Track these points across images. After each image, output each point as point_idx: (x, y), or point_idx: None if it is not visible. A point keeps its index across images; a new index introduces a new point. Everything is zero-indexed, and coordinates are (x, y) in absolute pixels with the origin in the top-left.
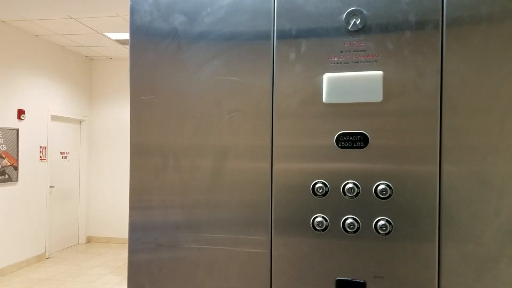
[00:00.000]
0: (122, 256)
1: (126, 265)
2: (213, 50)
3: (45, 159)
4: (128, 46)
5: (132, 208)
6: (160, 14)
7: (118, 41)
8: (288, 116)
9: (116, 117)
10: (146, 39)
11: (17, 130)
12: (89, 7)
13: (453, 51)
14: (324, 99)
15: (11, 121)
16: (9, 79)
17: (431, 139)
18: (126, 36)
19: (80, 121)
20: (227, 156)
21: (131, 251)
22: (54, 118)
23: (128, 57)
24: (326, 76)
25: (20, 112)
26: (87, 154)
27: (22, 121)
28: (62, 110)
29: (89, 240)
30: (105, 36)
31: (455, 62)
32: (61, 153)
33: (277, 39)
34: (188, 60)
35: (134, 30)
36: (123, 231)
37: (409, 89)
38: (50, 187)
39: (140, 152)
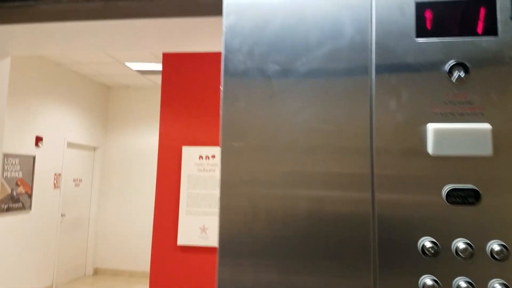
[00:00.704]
0: None
1: None
2: (307, 98)
3: (58, 187)
4: (148, 76)
5: (221, 264)
6: (254, 64)
7: (139, 71)
8: (390, 168)
9: (130, 146)
10: (239, 87)
11: (34, 157)
12: (127, 47)
13: None
14: (430, 151)
15: (29, 148)
16: (29, 106)
17: None
18: (146, 66)
19: (94, 148)
20: (322, 209)
21: None
22: (69, 145)
23: (145, 86)
24: (432, 127)
25: (38, 139)
26: (99, 181)
27: (39, 148)
28: (78, 137)
29: (96, 272)
30: (126, 66)
31: None
32: (74, 180)
33: (376, 87)
34: (281, 108)
35: (227, 78)
36: (131, 263)
37: None
38: (61, 215)
39: (229, 196)
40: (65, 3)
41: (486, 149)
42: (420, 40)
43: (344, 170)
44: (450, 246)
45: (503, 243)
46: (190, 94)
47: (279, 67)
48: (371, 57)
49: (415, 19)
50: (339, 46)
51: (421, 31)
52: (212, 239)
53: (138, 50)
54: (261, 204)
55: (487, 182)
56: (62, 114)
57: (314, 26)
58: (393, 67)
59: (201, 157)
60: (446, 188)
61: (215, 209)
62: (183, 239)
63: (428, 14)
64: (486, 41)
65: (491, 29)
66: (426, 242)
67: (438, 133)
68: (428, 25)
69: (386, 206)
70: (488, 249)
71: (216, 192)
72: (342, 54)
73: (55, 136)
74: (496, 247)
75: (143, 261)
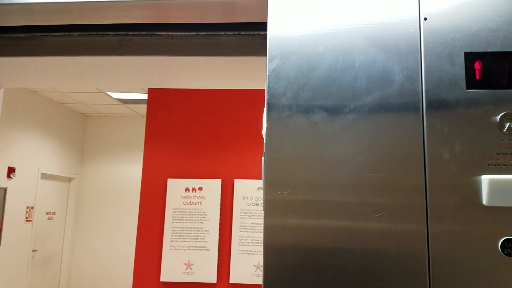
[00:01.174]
0: None
1: None
2: (357, 146)
3: (30, 220)
4: (129, 106)
5: None
6: (299, 109)
7: (120, 100)
8: (445, 219)
9: (108, 177)
10: (283, 132)
11: (5, 189)
12: (118, 84)
13: None
14: (485, 202)
15: (0, 180)
16: (1, 135)
17: None
18: (127, 95)
19: (69, 179)
20: (376, 262)
21: None
22: (43, 176)
23: (124, 115)
24: (487, 178)
25: (10, 170)
26: (74, 214)
27: (11, 179)
28: (53, 167)
29: None
30: (107, 95)
31: None
32: (47, 213)
33: (427, 137)
34: (328, 155)
35: (272, 124)
36: None
37: None
38: (33, 251)
39: (275, 250)
40: (75, 37)
41: None
42: (471, 90)
43: (398, 221)
44: None
45: None
46: (176, 127)
47: (326, 113)
48: (422, 106)
49: (464, 69)
50: (388, 94)
51: (471, 81)
52: (198, 275)
53: (130, 85)
54: (310, 259)
55: None
56: (37, 143)
57: (362, 73)
58: (445, 117)
59: (187, 189)
60: (502, 239)
61: (201, 244)
62: (166, 275)
63: (477, 65)
64: None
65: None
66: None
67: (493, 184)
68: (478, 76)
69: (440, 261)
70: None
71: (203, 225)
72: (392, 101)
73: (29, 166)
74: None
75: None
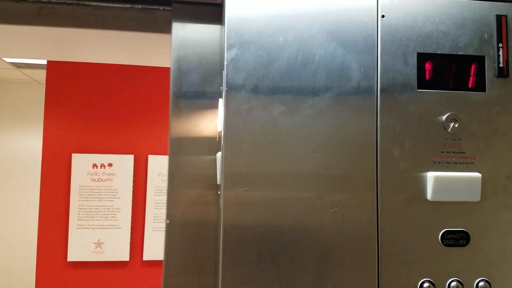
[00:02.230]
0: None
1: None
2: (315, 142)
3: None
4: (24, 70)
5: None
6: (259, 103)
7: (13, 64)
8: (393, 213)
9: (13, 149)
10: (242, 128)
11: None
12: (20, 53)
13: None
14: (429, 197)
15: None
16: None
17: None
18: (21, 60)
19: None
20: (329, 255)
21: None
22: None
23: (24, 82)
24: (432, 175)
25: None
26: None
27: None
28: None
29: None
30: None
31: None
32: None
33: (380, 135)
34: (287, 151)
35: (230, 117)
36: (8, 281)
37: (500, 190)
38: None
39: (233, 245)
40: None
41: (475, 196)
42: (421, 90)
43: (351, 216)
44: (445, 285)
45: (488, 280)
46: (81, 100)
47: (285, 108)
48: (376, 104)
49: (416, 69)
50: (346, 91)
51: (422, 81)
52: (109, 254)
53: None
54: (266, 250)
55: (476, 225)
56: None
57: (321, 68)
58: (397, 116)
59: (95, 165)
60: (442, 231)
61: (112, 222)
62: (74, 255)
63: (428, 66)
64: (476, 95)
65: (480, 85)
66: (425, 283)
67: (437, 181)
68: (428, 76)
69: (389, 252)
70: (475, 286)
71: (113, 203)
72: (349, 99)
73: None
74: (482, 284)
75: (24, 279)
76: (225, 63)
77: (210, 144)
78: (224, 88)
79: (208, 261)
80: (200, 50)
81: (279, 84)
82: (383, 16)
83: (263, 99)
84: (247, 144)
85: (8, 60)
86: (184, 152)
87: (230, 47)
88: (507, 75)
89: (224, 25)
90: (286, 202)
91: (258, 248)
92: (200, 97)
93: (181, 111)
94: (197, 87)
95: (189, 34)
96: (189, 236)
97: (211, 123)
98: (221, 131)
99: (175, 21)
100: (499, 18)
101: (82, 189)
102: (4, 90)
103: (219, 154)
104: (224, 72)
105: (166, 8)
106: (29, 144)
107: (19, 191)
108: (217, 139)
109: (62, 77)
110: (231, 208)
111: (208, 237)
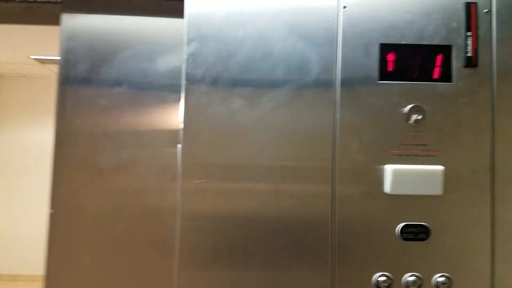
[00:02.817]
0: None
1: None
2: (273, 134)
3: None
4: (46, 66)
5: None
6: (218, 97)
7: (38, 60)
8: (350, 205)
9: (27, 140)
10: (201, 120)
11: None
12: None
13: (502, 151)
14: (387, 190)
15: None
16: None
17: (483, 232)
18: (45, 55)
19: None
20: (286, 247)
21: None
22: None
23: (44, 76)
24: (390, 168)
25: None
26: None
27: None
28: None
29: None
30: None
31: (503, 158)
32: None
33: (339, 127)
34: (245, 144)
35: (190, 110)
36: (31, 267)
37: (464, 184)
38: None
39: (191, 236)
40: None
41: (437, 189)
42: (382, 82)
43: (307, 208)
44: (402, 280)
45: (448, 276)
46: None
47: (244, 101)
48: (336, 96)
49: (378, 61)
50: (305, 84)
51: (383, 73)
52: None
53: None
54: (222, 238)
55: (437, 220)
56: None
57: (280, 61)
58: (357, 108)
59: None
60: (400, 225)
61: None
62: None
63: (391, 57)
64: (442, 86)
65: (446, 75)
66: (381, 277)
67: (395, 174)
68: (391, 67)
69: (346, 244)
70: (434, 281)
71: None
72: (308, 91)
73: None
74: (441, 279)
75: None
76: (185, 57)
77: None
78: (183, 81)
79: None
80: (88, 40)
81: (238, 78)
82: (344, 7)
83: (222, 92)
84: (205, 137)
85: (33, 56)
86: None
87: (189, 41)
88: (475, 65)
89: (184, 19)
90: (243, 193)
91: (215, 238)
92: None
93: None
94: (85, 75)
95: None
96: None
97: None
98: (181, 123)
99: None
100: (468, 5)
101: None
102: (30, 86)
103: (179, 146)
104: (184, 66)
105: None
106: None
107: (33, 181)
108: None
109: None
110: (189, 198)
111: None
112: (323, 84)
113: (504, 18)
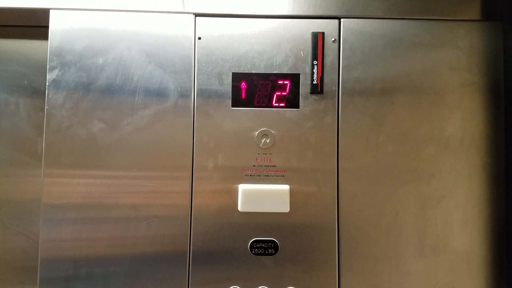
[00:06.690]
0: None
1: None
2: (133, 157)
3: None
4: None
5: None
6: (78, 121)
7: None
8: (205, 222)
9: None
10: (62, 143)
11: None
12: None
13: (346, 171)
14: (239, 208)
15: None
16: None
17: (330, 247)
18: None
19: None
20: (143, 266)
21: None
22: None
23: None
24: (241, 187)
25: None
26: None
27: None
28: None
29: None
30: None
31: (348, 181)
32: None
33: (195, 150)
34: (105, 167)
35: (50, 134)
36: None
37: (311, 202)
38: None
39: (50, 261)
40: None
41: (284, 207)
42: (235, 108)
43: (165, 231)
44: None
45: None
46: None
47: (104, 125)
48: (193, 121)
49: (231, 88)
50: (163, 109)
51: (236, 100)
52: None
53: None
54: (83, 262)
55: (285, 235)
56: None
57: (140, 87)
58: (211, 132)
59: None
60: (251, 240)
61: None
62: None
63: (243, 85)
64: (289, 112)
65: (294, 102)
66: None
67: (245, 193)
68: (243, 95)
69: (200, 260)
70: None
71: None
72: (167, 116)
73: None
74: None
75: None
76: (47, 84)
77: None
78: (46, 106)
79: None
80: None
81: (98, 103)
82: (199, 38)
83: (83, 116)
84: (66, 160)
85: None
86: None
87: (51, 69)
88: (321, 92)
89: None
90: (102, 217)
91: (75, 261)
92: None
93: None
94: None
95: None
96: None
97: None
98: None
99: None
100: (315, 35)
101: None
102: None
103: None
104: (46, 92)
105: None
106: None
107: None
108: None
109: None
110: (48, 225)
111: None
112: (181, 109)
113: (350, 46)
